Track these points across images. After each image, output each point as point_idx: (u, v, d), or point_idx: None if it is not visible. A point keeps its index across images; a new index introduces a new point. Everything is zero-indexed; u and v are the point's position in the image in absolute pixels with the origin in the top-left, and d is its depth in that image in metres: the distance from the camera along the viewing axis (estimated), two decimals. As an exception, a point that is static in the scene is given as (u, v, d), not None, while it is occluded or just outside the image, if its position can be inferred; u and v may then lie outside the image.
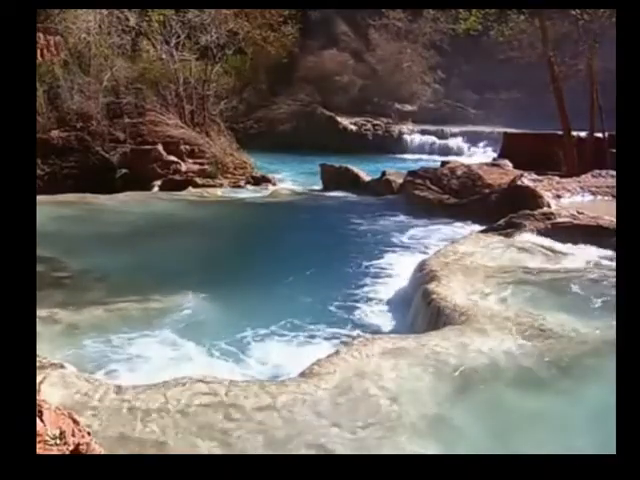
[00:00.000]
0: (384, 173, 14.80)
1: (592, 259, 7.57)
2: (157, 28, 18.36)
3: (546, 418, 4.09)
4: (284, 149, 23.97)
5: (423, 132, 26.43)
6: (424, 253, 8.81)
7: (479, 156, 22.61)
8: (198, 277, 7.85)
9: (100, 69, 17.39)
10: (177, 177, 16.02)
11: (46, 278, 7.41)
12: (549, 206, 9.84)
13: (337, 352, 4.79)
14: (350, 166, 15.57)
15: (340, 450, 3.59)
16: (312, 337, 6.28)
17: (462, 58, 27.14)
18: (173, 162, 16.27)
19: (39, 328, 5.16)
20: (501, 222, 8.90)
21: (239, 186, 16.16)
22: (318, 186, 15.93)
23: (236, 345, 6.01)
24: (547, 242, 8.11)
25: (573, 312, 5.68)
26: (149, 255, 9.22)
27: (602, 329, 5.14)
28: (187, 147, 16.73)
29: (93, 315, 6.58)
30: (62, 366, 4.45)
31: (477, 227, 9.87)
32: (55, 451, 2.36)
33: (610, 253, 7.48)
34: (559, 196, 10.82)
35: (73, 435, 2.50)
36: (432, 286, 6.32)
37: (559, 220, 8.59)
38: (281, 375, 5.25)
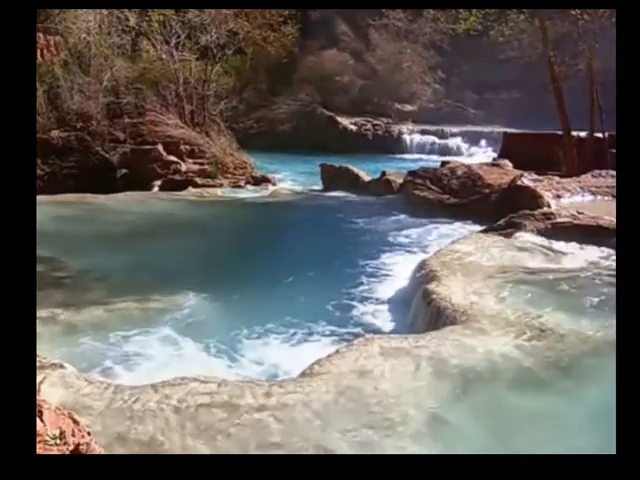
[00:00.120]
0: (384, 173, 14.80)
1: (592, 259, 7.57)
2: (157, 28, 18.36)
3: (546, 418, 4.09)
4: (284, 149, 23.97)
5: (423, 132, 26.44)
6: (424, 253, 8.81)
7: (479, 156, 22.61)
8: (198, 277, 7.85)
9: (100, 69, 17.39)
10: (177, 177, 16.02)
11: (46, 278, 7.41)
12: (549, 206, 9.84)
13: (337, 352, 4.79)
14: (350, 166, 15.57)
15: (340, 450, 3.59)
16: (312, 337, 6.28)
17: (462, 58, 27.15)
18: (173, 162, 16.27)
19: (39, 328, 5.17)
20: (501, 222, 8.90)
21: (239, 186, 16.16)
22: (318, 186, 15.93)
23: (236, 345, 6.01)
24: (547, 242, 8.11)
25: (573, 312, 5.68)
26: (149, 255, 9.22)
27: (602, 329, 5.14)
28: (187, 147, 16.74)
29: (93, 315, 6.57)
30: (62, 366, 4.45)
31: (477, 227, 9.87)
32: (55, 451, 2.36)
33: (610, 253, 7.48)
34: (559, 196, 10.82)
35: (73, 435, 2.50)
36: (432, 286, 6.32)
37: (559, 220, 8.59)
38: (281, 375, 5.25)
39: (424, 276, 6.85)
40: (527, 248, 7.86)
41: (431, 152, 25.07)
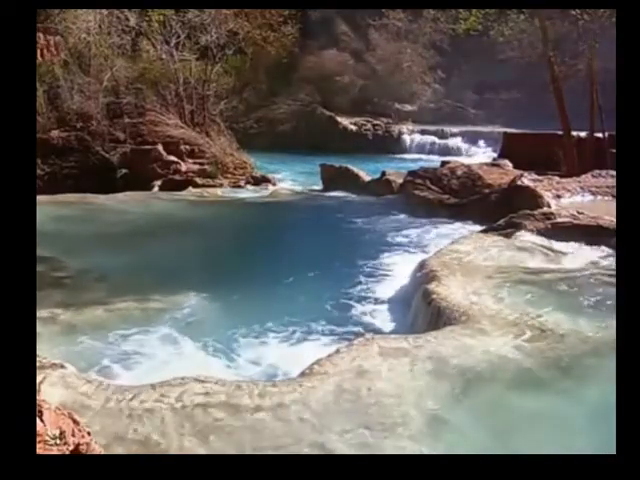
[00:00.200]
0: (384, 173, 14.80)
1: (592, 259, 7.56)
2: (157, 28, 18.37)
3: (546, 418, 4.09)
4: (284, 149, 23.97)
5: (423, 132, 26.44)
6: (424, 253, 8.81)
7: (479, 156, 22.61)
8: (198, 277, 7.85)
9: (100, 69, 17.40)
10: (177, 177, 16.02)
11: (46, 278, 7.41)
12: (549, 206, 9.84)
13: (337, 352, 4.79)
14: (350, 166, 15.56)
15: (340, 450, 3.59)
16: (312, 337, 6.28)
17: (462, 58, 27.16)
18: (173, 162, 16.27)
19: (39, 328, 5.17)
20: (501, 222, 8.90)
21: (239, 186, 16.16)
22: (318, 186, 15.93)
23: (236, 345, 6.01)
24: (547, 242, 8.10)
25: (573, 312, 5.68)
26: (149, 255, 9.22)
27: (602, 329, 5.14)
28: (187, 147, 16.74)
29: (93, 315, 6.58)
30: (62, 366, 4.45)
31: (477, 227, 9.87)
32: (55, 451, 2.36)
33: (610, 253, 7.48)
34: (559, 196, 10.81)
35: (73, 435, 2.50)
36: (432, 286, 6.32)
37: (559, 220, 8.58)
38: (281, 375, 5.25)
39: (424, 276, 6.85)
40: (527, 248, 7.86)
41: (431, 152, 25.07)
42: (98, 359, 5.58)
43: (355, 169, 15.42)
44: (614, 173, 11.14)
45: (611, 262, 7.17)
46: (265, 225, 12.12)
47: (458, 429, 3.90)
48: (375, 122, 27.32)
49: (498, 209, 10.20)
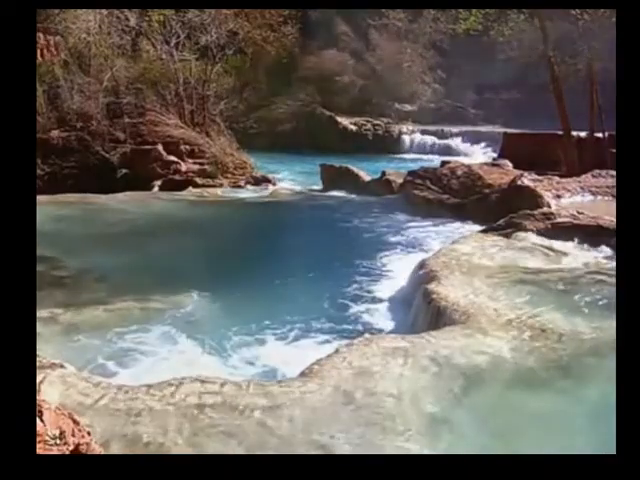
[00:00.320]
0: (384, 173, 14.80)
1: (592, 259, 7.57)
2: (157, 28, 18.38)
3: (546, 418, 4.09)
4: (284, 149, 23.98)
5: (423, 132, 26.45)
6: (424, 253, 8.81)
7: (479, 156, 22.61)
8: (198, 276, 7.85)
9: (100, 69, 17.40)
10: (177, 177, 16.03)
11: (46, 278, 7.41)
12: (549, 206, 9.84)
13: (337, 352, 4.79)
14: (350, 166, 15.57)
15: (340, 450, 3.59)
16: (312, 336, 6.28)
17: (462, 58, 27.13)
18: (173, 162, 16.28)
19: (39, 328, 5.17)
20: (501, 222, 8.90)
21: (239, 186, 16.17)
22: (318, 186, 15.93)
23: (236, 345, 6.02)
24: (547, 242, 8.10)
25: (573, 312, 5.68)
26: (149, 255, 9.22)
27: (602, 329, 5.14)
28: (187, 147, 16.74)
29: (93, 315, 6.58)
30: (62, 366, 4.45)
31: (477, 227, 9.87)
32: (55, 451, 2.36)
33: (610, 253, 7.49)
34: (559, 196, 10.81)
35: (73, 435, 2.50)
36: (432, 286, 6.32)
37: (559, 220, 8.58)
38: (281, 374, 5.25)
39: (424, 276, 6.85)
40: (527, 248, 7.86)
41: (431, 152, 25.07)
42: (98, 358, 5.59)
43: (355, 169, 15.43)
44: (614, 173, 11.14)
45: (611, 262, 7.17)
46: (265, 225, 12.11)
47: (458, 429, 3.90)
48: (375, 122, 27.32)
49: (498, 209, 10.20)
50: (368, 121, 27.37)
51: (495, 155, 19.27)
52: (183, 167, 16.30)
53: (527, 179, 11.33)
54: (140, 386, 4.22)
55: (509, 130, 19.76)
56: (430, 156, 24.03)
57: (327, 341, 6.13)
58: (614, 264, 6.86)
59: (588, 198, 10.96)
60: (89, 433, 2.65)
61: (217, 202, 14.16)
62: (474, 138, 24.96)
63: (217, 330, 6.31)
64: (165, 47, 17.95)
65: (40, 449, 2.28)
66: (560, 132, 15.29)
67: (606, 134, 14.89)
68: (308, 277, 7.98)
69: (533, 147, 16.12)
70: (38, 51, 16.80)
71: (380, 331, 6.31)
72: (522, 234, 8.37)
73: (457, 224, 10.94)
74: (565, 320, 5.45)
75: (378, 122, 27.29)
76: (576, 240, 8.04)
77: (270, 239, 10.62)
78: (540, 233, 8.38)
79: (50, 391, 3.92)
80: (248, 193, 15.26)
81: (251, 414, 3.91)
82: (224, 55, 19.06)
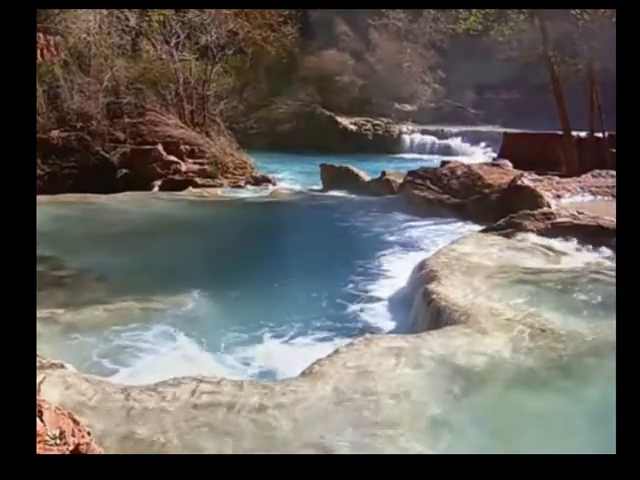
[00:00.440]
0: (384, 173, 14.80)
1: (592, 259, 7.57)
2: (157, 28, 18.38)
3: (546, 418, 4.09)
4: (284, 149, 23.99)
5: (423, 132, 26.45)
6: (424, 253, 8.80)
7: (479, 156, 22.61)
8: (198, 276, 7.85)
9: (100, 69, 17.40)
10: (177, 177, 16.03)
11: (46, 278, 7.41)
12: (549, 206, 9.84)
13: (337, 352, 4.79)
14: (350, 166, 15.57)
15: (340, 450, 3.59)
16: (312, 336, 6.28)
17: (462, 58, 27.12)
18: (173, 162, 16.28)
19: (39, 328, 5.17)
20: (501, 222, 8.90)
21: (239, 186, 16.17)
22: (318, 186, 15.94)
23: (236, 344, 6.02)
24: (547, 242, 8.10)
25: (573, 312, 5.68)
26: (149, 255, 9.22)
27: (602, 329, 5.14)
28: (187, 147, 16.74)
29: (93, 315, 6.58)
30: (62, 366, 4.45)
31: (477, 227, 9.87)
32: (55, 451, 2.36)
33: (610, 253, 7.48)
34: (559, 196, 10.81)
35: (73, 435, 2.50)
36: (432, 286, 6.32)
37: (559, 220, 8.58)
38: (281, 374, 5.25)
39: (424, 276, 6.85)
40: (527, 248, 7.86)
41: (431, 152, 25.08)
42: (98, 358, 5.59)
43: (355, 169, 15.43)
44: (614, 173, 11.13)
45: (611, 262, 7.17)
46: (265, 225, 12.12)
47: (458, 429, 3.90)
48: (375, 122, 27.32)
49: (498, 209, 10.20)
50: (368, 121, 27.37)
51: (495, 155, 19.27)
52: (183, 167, 16.30)
53: (527, 179, 11.32)
54: (140, 386, 4.23)
55: (509, 130, 19.77)
56: (430, 156, 24.03)
57: (327, 340, 6.13)
58: (614, 264, 6.86)
59: (588, 198, 10.96)
60: (89, 433, 2.65)
61: (217, 202, 14.16)
62: (474, 138, 24.96)
63: (217, 329, 6.31)
64: (165, 47, 17.95)
65: (40, 449, 2.28)
66: (560, 132, 15.29)
67: (606, 134, 14.89)
68: (308, 277, 7.97)
69: (533, 147, 16.12)
70: (38, 51, 16.80)
71: (380, 331, 6.31)
72: (522, 234, 8.37)
73: (457, 224, 10.94)
74: (565, 320, 5.45)
75: (378, 122, 27.29)
76: (576, 240, 8.04)
77: (270, 239, 10.61)
78: (540, 233, 8.38)
79: (50, 391, 3.92)
80: (248, 193, 15.26)
81: (251, 414, 3.91)
82: (224, 55, 19.06)
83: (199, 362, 5.57)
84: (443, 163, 14.86)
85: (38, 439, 2.29)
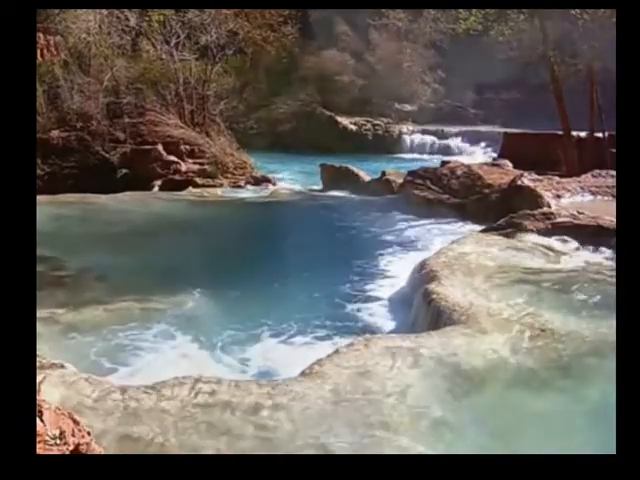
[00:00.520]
0: (384, 173, 14.80)
1: (592, 259, 7.57)
2: (157, 28, 18.37)
3: (546, 418, 4.09)
4: (284, 149, 23.99)
5: (423, 132, 26.44)
6: (424, 253, 8.80)
7: (479, 156, 22.60)
8: (198, 276, 7.85)
9: (100, 69, 17.40)
10: (177, 177, 16.02)
11: (46, 278, 7.41)
12: (549, 206, 9.84)
13: (337, 351, 4.79)
14: (350, 166, 15.57)
15: (340, 450, 3.59)
16: (312, 336, 6.28)
17: (462, 58, 27.10)
18: (173, 162, 16.27)
19: (39, 328, 5.17)
20: (501, 222, 8.90)
21: (239, 186, 16.16)
22: (318, 186, 15.93)
23: (236, 344, 6.02)
24: (547, 242, 8.11)
25: (573, 312, 5.68)
26: (149, 255, 9.22)
27: (602, 329, 5.14)
28: (187, 147, 16.74)
29: (93, 314, 6.58)
30: (62, 366, 4.45)
31: (477, 227, 9.86)
32: (55, 451, 2.36)
33: (610, 253, 7.48)
34: (559, 196, 10.81)
35: (73, 435, 2.50)
36: (432, 286, 6.32)
37: (559, 220, 8.58)
38: (281, 374, 5.25)
39: (424, 276, 6.85)
40: (527, 248, 7.86)
41: (431, 152, 25.06)
42: (98, 358, 5.59)
43: (355, 169, 15.42)
44: (614, 173, 11.13)
45: (611, 262, 7.17)
46: (265, 225, 12.11)
47: (458, 429, 3.90)
48: (375, 122, 27.31)
49: (498, 209, 10.20)
50: (368, 121, 27.36)
51: (495, 155, 19.27)
52: (183, 167, 16.29)
53: (527, 179, 11.32)
54: (140, 386, 4.23)
55: (509, 130, 19.76)
56: (430, 156, 24.02)
57: (327, 340, 6.14)
58: (614, 264, 6.86)
59: (588, 198, 10.96)
60: (89, 433, 2.65)
61: (217, 202, 14.16)
62: (474, 138, 24.95)
63: (217, 329, 6.31)
64: (165, 47, 17.95)
65: (40, 449, 2.28)
66: (560, 132, 15.29)
67: (606, 134, 14.89)
68: (308, 277, 7.98)
69: (533, 147, 16.13)
70: (38, 51, 16.80)
71: (380, 331, 6.31)
72: (522, 234, 8.37)
73: (457, 224, 10.94)
74: (565, 320, 5.45)
75: (378, 122, 27.28)
76: (576, 240, 8.04)
77: (270, 239, 10.61)
78: (540, 233, 8.38)
79: (50, 391, 3.92)
80: (248, 193, 15.26)
81: (251, 414, 3.91)
82: (224, 55, 19.05)
83: (199, 361, 5.58)
84: (443, 163, 14.85)
85: (38, 439, 2.29)
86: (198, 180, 15.93)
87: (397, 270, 8.23)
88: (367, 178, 15.16)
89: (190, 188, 15.37)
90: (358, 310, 6.99)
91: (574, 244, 8.01)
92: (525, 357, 4.78)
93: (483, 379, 4.49)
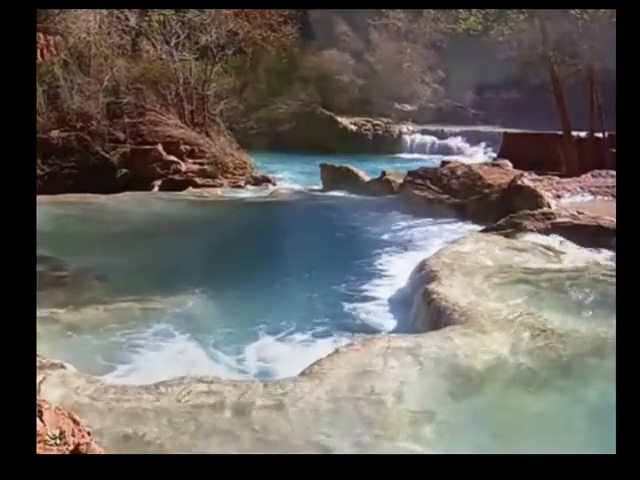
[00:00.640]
0: (384, 173, 14.79)
1: (592, 259, 7.57)
2: (157, 28, 18.37)
3: (546, 418, 4.09)
4: (284, 149, 23.98)
5: (423, 132, 26.42)
6: (424, 253, 8.80)
7: (479, 156, 22.60)
8: (198, 276, 7.85)
9: (100, 69, 17.40)
10: (177, 177, 16.01)
11: (46, 278, 7.41)
12: (549, 206, 9.84)
13: (337, 351, 4.79)
14: (350, 166, 15.56)
15: (340, 450, 3.59)
16: (312, 336, 6.28)
17: (462, 58, 27.10)
18: (173, 162, 16.27)
19: (39, 328, 5.17)
20: (501, 222, 8.90)
21: (239, 186, 16.15)
22: (318, 186, 15.92)
23: (236, 344, 6.01)
24: (547, 242, 8.11)
25: (573, 312, 5.68)
26: (149, 255, 9.22)
27: (602, 329, 5.14)
28: (187, 147, 16.73)
29: (93, 314, 6.58)
30: (62, 366, 4.45)
31: (477, 227, 9.86)
32: (55, 451, 2.36)
33: (610, 253, 7.48)
34: (559, 196, 10.81)
35: (73, 435, 2.50)
36: (432, 286, 6.32)
37: (559, 220, 8.59)
38: (281, 374, 5.25)
39: (424, 276, 6.85)
40: (527, 248, 7.86)
41: (431, 152, 25.04)
42: (98, 357, 5.59)
43: (355, 169, 15.42)
44: (614, 173, 11.13)
45: (611, 262, 7.17)
46: (265, 225, 12.11)
47: (458, 429, 3.90)
48: (375, 122, 27.29)
49: (498, 209, 10.20)
50: (368, 121, 27.34)
51: (495, 155, 19.27)
52: (183, 167, 16.29)
53: (527, 179, 11.32)
54: (140, 386, 4.23)
55: (509, 130, 19.77)
56: (430, 156, 24.00)
57: (326, 340, 6.13)
58: (614, 264, 6.86)
59: (588, 198, 10.96)
60: (89, 433, 2.65)
61: (217, 202, 14.16)
62: (474, 138, 24.93)
63: (216, 329, 6.31)
64: (165, 47, 17.94)
65: (40, 449, 2.28)
66: (560, 132, 15.30)
67: (606, 134, 14.90)
68: (308, 277, 7.98)
69: (533, 147, 16.14)
70: (38, 51, 16.79)
71: (380, 331, 6.31)
72: (522, 234, 8.37)
73: (457, 224, 10.93)
74: (565, 320, 5.45)
75: (378, 122, 27.27)
76: (576, 240, 8.04)
77: (270, 239, 10.61)
78: (540, 233, 8.38)
79: (50, 391, 3.92)
80: (248, 193, 15.26)
81: (251, 413, 3.91)
82: (224, 55, 19.05)
83: (198, 361, 5.58)
84: (443, 163, 14.85)
85: (38, 439, 2.29)
86: (198, 180, 15.92)
87: (397, 270, 8.22)
88: (367, 178, 15.16)
89: (190, 188, 15.36)
90: (358, 310, 6.99)
91: (574, 244, 8.00)
92: (525, 357, 4.78)
93: (483, 379, 4.49)
